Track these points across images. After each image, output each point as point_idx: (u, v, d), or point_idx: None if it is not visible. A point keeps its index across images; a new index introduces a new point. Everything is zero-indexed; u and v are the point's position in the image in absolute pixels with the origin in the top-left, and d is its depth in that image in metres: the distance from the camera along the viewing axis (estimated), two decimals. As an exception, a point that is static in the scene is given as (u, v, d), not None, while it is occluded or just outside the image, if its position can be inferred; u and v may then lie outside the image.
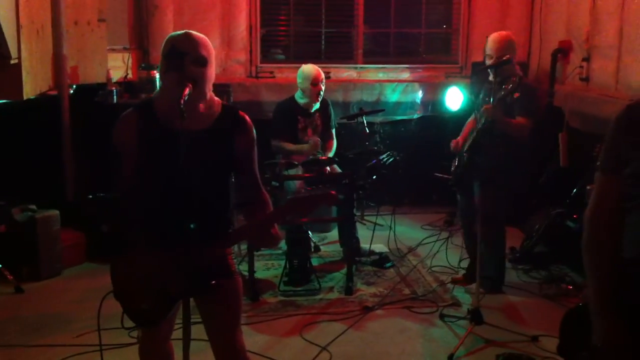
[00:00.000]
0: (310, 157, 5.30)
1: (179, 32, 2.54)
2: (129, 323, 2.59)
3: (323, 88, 5.49)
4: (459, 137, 4.86)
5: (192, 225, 2.38)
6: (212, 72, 2.56)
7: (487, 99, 4.51)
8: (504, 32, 4.64)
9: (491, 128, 4.24)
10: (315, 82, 5.42)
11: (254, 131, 2.67)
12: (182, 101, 2.33)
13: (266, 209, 2.63)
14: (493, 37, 4.60)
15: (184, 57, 2.44)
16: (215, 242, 2.51)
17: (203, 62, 2.48)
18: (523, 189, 5.31)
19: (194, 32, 2.52)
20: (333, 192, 2.43)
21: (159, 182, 2.53)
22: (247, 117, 2.66)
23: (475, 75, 4.97)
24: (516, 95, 4.26)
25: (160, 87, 2.61)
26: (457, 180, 4.76)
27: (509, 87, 4.08)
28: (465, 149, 4.62)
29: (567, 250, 5.21)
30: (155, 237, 2.53)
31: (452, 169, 4.84)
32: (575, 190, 5.34)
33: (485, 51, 4.65)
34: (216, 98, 2.64)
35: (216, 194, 2.61)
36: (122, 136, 2.57)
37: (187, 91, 2.38)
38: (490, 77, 4.57)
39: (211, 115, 2.58)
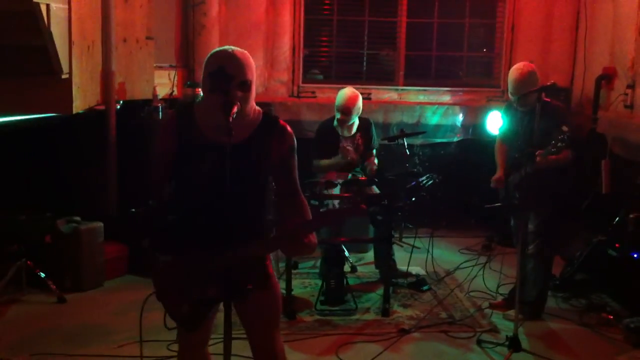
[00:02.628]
0: (350, 176, 5.33)
1: (225, 50, 2.55)
2: (172, 324, 2.62)
3: (345, 119, 5.44)
4: (498, 173, 4.88)
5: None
6: (254, 90, 2.62)
7: (519, 128, 4.66)
8: (525, 69, 4.57)
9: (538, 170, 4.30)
10: (341, 110, 5.40)
11: (294, 139, 2.70)
12: (230, 119, 2.39)
13: (304, 216, 2.66)
14: (514, 77, 4.57)
15: (231, 81, 2.48)
16: (246, 249, 2.54)
17: (248, 86, 2.54)
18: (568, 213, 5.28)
19: (238, 52, 2.54)
20: (363, 206, 2.45)
21: (197, 189, 2.61)
22: (286, 125, 2.69)
23: (509, 102, 5.01)
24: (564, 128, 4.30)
25: (202, 99, 2.64)
26: (511, 208, 4.77)
27: (558, 144, 4.13)
28: (514, 183, 4.65)
29: (608, 279, 5.14)
30: (191, 242, 2.59)
31: (502, 197, 4.85)
32: (617, 218, 5.26)
33: (508, 86, 4.67)
34: (257, 108, 2.68)
35: (253, 201, 2.66)
36: (163, 140, 2.65)
37: (235, 109, 2.44)
38: (519, 107, 4.62)
39: (251, 126, 2.63)
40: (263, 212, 2.72)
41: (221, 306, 2.68)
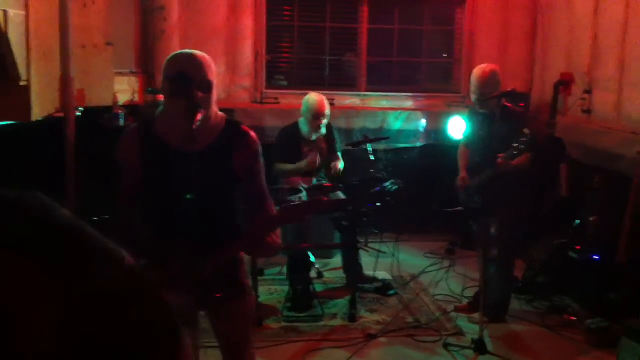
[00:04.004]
0: (315, 181, 5.33)
1: (183, 53, 2.54)
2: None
3: (325, 121, 5.47)
4: (461, 174, 4.95)
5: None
6: (216, 93, 2.59)
7: (482, 132, 4.70)
8: (487, 68, 4.67)
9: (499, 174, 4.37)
10: (317, 115, 5.39)
11: (258, 144, 2.68)
12: (194, 126, 2.38)
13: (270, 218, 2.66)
14: (477, 76, 4.66)
15: (192, 84, 2.45)
16: (211, 254, 2.51)
17: (209, 87, 2.51)
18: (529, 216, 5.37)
19: (197, 54, 2.52)
20: (325, 199, 2.47)
21: (162, 198, 2.57)
22: (250, 131, 2.67)
23: (471, 107, 5.10)
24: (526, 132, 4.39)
25: (163, 108, 2.60)
26: (472, 212, 4.83)
27: (520, 146, 4.21)
28: (475, 187, 4.71)
29: (569, 281, 5.23)
30: (159, 251, 2.55)
31: (462, 201, 4.90)
32: (577, 221, 5.36)
33: (471, 87, 4.75)
34: (220, 113, 2.65)
35: (220, 207, 2.64)
36: (123, 152, 2.61)
37: (199, 117, 2.42)
38: (480, 109, 4.69)
39: (214, 132, 2.60)
40: (231, 217, 2.70)
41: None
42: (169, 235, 2.55)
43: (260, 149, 2.68)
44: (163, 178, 2.55)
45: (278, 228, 2.66)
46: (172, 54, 2.60)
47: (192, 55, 2.51)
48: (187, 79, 2.45)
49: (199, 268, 2.45)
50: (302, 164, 5.45)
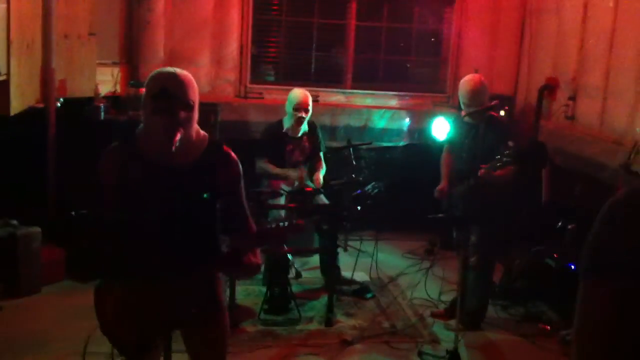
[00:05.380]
0: (296, 185, 5.31)
1: (167, 71, 2.52)
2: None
3: (306, 115, 5.49)
4: (442, 184, 4.95)
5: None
6: (197, 112, 2.57)
7: (467, 141, 4.71)
8: (476, 78, 4.70)
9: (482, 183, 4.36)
10: (297, 107, 5.43)
11: (239, 165, 2.68)
12: (173, 147, 2.38)
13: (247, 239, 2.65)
14: (466, 87, 4.68)
15: (174, 101, 2.44)
16: (187, 272, 2.51)
17: (192, 106, 2.50)
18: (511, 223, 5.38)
19: (181, 73, 2.51)
20: (301, 222, 2.47)
21: (143, 215, 2.53)
22: (231, 152, 2.68)
23: (457, 114, 5.10)
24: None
25: (144, 124, 2.57)
26: (453, 220, 4.84)
27: (504, 159, 4.21)
28: (457, 195, 4.71)
29: (546, 288, 5.26)
30: (138, 268, 2.53)
31: (444, 208, 4.90)
32: (556, 228, 5.38)
33: (459, 97, 4.74)
34: (202, 132, 2.64)
35: (200, 226, 2.60)
36: (105, 170, 2.58)
37: (178, 136, 2.42)
38: (466, 119, 4.68)
39: (197, 150, 2.59)
40: (210, 236, 2.67)
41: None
42: (149, 251, 2.52)
43: (241, 169, 2.68)
44: (144, 194, 2.52)
45: (256, 249, 2.65)
46: (156, 70, 2.57)
47: (175, 74, 2.49)
48: (170, 96, 2.44)
49: (175, 284, 2.45)
50: (290, 173, 5.44)
